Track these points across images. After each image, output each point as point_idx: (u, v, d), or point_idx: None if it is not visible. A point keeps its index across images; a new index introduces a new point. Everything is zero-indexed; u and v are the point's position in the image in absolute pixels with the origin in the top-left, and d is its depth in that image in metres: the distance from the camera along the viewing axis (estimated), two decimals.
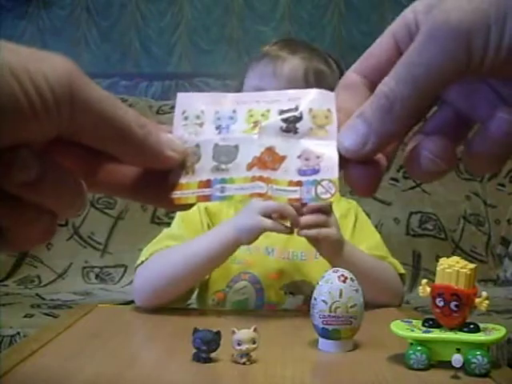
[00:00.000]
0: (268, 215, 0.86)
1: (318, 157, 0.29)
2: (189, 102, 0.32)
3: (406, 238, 1.93)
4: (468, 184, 1.99)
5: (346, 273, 0.69)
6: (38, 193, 0.25)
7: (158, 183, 0.29)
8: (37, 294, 1.70)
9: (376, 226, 1.16)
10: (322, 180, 0.29)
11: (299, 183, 0.29)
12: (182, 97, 0.32)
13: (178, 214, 1.04)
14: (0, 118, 0.23)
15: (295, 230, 0.87)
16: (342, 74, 1.07)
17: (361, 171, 0.29)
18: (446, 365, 0.60)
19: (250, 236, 0.87)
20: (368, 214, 1.11)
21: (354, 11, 2.45)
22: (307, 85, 0.97)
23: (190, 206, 0.30)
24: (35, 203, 0.26)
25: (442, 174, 0.30)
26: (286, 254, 1.00)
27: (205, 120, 0.31)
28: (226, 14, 2.43)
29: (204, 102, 0.32)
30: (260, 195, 0.29)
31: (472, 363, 0.59)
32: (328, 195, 0.29)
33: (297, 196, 0.29)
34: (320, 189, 0.29)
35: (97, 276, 1.88)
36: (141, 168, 0.29)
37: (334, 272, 0.69)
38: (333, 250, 0.90)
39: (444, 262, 0.63)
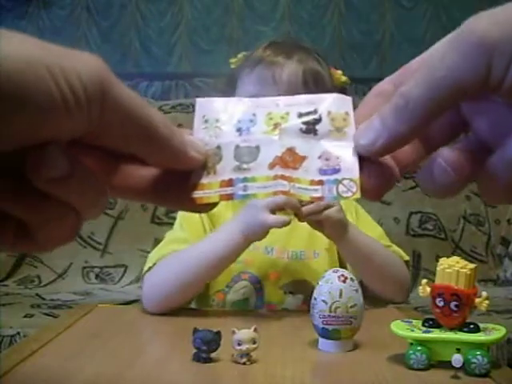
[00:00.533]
0: (273, 211, 0.86)
1: (337, 157, 0.30)
2: (208, 106, 0.32)
3: (406, 237, 1.93)
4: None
5: (346, 273, 0.69)
6: (65, 190, 0.26)
7: (178, 185, 0.30)
8: (37, 294, 1.71)
9: None
10: (344, 179, 0.30)
11: (321, 182, 0.30)
12: (201, 102, 0.33)
13: (179, 216, 1.04)
14: (36, 115, 0.23)
15: (292, 219, 0.88)
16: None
17: (371, 174, 0.30)
18: (446, 365, 0.60)
19: (259, 234, 0.88)
20: (368, 214, 1.12)
21: (354, 11, 2.45)
22: (306, 87, 0.98)
23: (213, 205, 0.30)
24: (61, 201, 0.26)
25: (453, 187, 0.29)
26: (285, 254, 1.01)
27: (225, 123, 0.31)
28: (226, 14, 2.43)
29: (223, 106, 0.32)
30: (283, 193, 0.29)
31: (472, 363, 0.59)
32: (350, 194, 0.29)
33: (319, 194, 0.30)
34: (341, 187, 0.29)
35: (97, 276, 1.88)
36: (163, 169, 0.29)
37: (333, 272, 0.69)
38: (336, 230, 0.91)
39: (444, 262, 0.63)
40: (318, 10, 2.45)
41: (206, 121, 0.32)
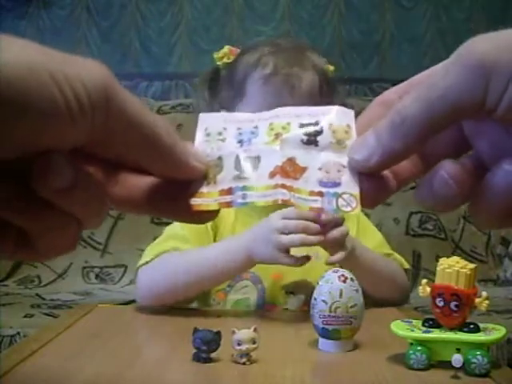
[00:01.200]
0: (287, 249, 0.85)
1: (338, 171, 0.30)
2: (211, 120, 0.32)
3: (406, 237, 1.93)
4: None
5: (346, 273, 0.69)
6: (69, 199, 0.25)
7: (176, 196, 0.29)
8: (37, 294, 1.70)
9: (376, 226, 1.16)
10: (344, 193, 0.29)
11: (320, 193, 0.30)
12: (204, 116, 0.33)
13: None
14: (38, 121, 0.23)
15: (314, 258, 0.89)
16: None
17: (365, 184, 0.30)
18: (446, 365, 0.60)
19: (267, 263, 0.87)
20: (368, 215, 1.12)
21: (354, 11, 2.45)
22: (321, 91, 0.99)
23: (211, 216, 0.30)
24: (64, 210, 0.26)
25: (453, 201, 0.29)
26: None
27: (227, 136, 0.31)
28: (226, 14, 2.43)
29: (226, 120, 0.32)
30: (283, 201, 0.29)
31: (472, 363, 0.59)
32: (349, 208, 0.29)
33: (318, 205, 0.29)
34: (341, 201, 0.29)
35: (97, 276, 1.88)
36: (164, 178, 0.29)
37: (334, 272, 0.69)
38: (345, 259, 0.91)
39: (444, 262, 0.63)
40: (318, 10, 2.45)
41: (208, 134, 0.32)
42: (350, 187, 0.29)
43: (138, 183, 0.29)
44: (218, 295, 1.00)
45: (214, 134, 0.32)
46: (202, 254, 0.92)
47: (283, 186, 0.29)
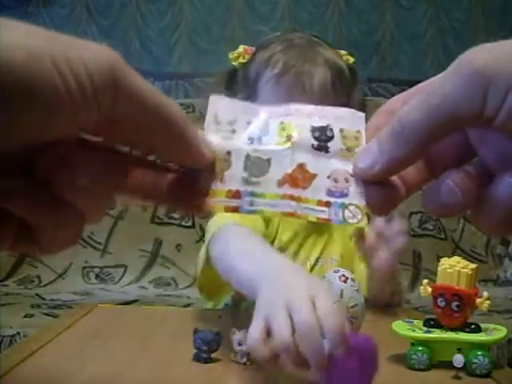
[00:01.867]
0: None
1: (346, 180, 0.30)
2: (221, 106, 0.32)
3: None
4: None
5: (347, 273, 0.69)
6: (80, 193, 0.25)
7: (183, 190, 0.29)
8: (37, 294, 1.70)
9: None
10: (350, 204, 0.29)
11: (328, 204, 0.30)
12: (214, 100, 0.32)
13: None
14: (44, 108, 0.22)
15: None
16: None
17: (375, 192, 0.30)
18: (447, 365, 0.60)
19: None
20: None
21: (354, 11, 2.45)
22: (334, 87, 0.98)
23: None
24: (71, 204, 0.26)
25: (458, 209, 0.29)
26: (308, 260, 1.01)
27: (237, 127, 0.31)
28: (227, 14, 2.43)
29: (236, 109, 0.32)
30: (290, 215, 0.29)
31: (473, 363, 0.59)
32: (355, 220, 0.29)
33: (325, 216, 0.29)
34: (347, 213, 0.29)
35: (97, 276, 1.88)
36: (174, 163, 0.29)
37: (334, 272, 0.69)
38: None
39: (445, 262, 0.63)
40: (318, 10, 2.45)
41: (218, 122, 0.31)
42: (356, 199, 0.30)
43: (146, 176, 0.29)
44: (237, 293, 0.99)
45: (225, 124, 0.31)
46: (247, 251, 0.76)
47: (291, 197, 0.29)
